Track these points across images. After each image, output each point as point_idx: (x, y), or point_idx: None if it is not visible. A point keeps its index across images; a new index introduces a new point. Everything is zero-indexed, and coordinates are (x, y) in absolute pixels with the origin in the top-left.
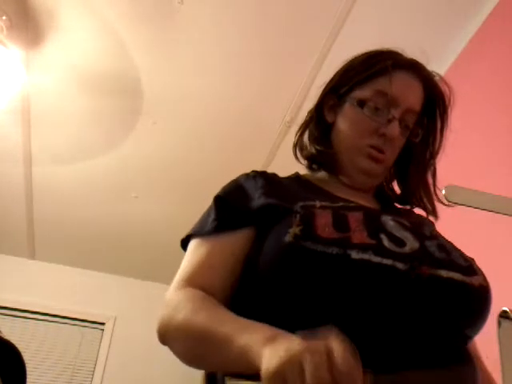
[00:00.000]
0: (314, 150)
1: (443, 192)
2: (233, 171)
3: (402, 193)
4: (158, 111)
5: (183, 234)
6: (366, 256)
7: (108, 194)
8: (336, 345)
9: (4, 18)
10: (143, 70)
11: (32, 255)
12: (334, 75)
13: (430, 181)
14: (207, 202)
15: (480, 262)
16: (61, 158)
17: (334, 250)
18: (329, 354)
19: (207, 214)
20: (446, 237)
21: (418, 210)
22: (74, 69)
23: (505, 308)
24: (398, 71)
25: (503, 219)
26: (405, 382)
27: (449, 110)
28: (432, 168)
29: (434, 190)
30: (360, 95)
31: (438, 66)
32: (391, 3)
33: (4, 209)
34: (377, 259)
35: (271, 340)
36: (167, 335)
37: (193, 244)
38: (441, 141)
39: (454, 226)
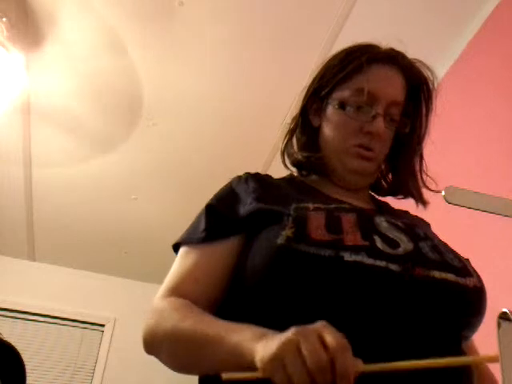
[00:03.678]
0: (300, 157)
1: (443, 193)
2: (233, 172)
3: (392, 183)
4: (158, 112)
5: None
6: (358, 258)
7: (108, 195)
8: (326, 329)
9: (4, 19)
10: (143, 71)
11: (32, 257)
12: (314, 78)
13: (417, 167)
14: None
15: (480, 263)
16: (61, 160)
17: (327, 252)
18: (321, 336)
19: (197, 222)
20: (446, 238)
21: (414, 211)
22: (74, 70)
23: (504, 309)
24: (374, 65)
25: (503, 220)
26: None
27: (433, 95)
28: (419, 154)
29: (421, 176)
30: (340, 96)
31: (439, 65)
32: (391, 4)
33: (4, 210)
34: (370, 261)
35: (261, 337)
36: (154, 344)
37: (181, 252)
38: (426, 125)
39: (454, 227)
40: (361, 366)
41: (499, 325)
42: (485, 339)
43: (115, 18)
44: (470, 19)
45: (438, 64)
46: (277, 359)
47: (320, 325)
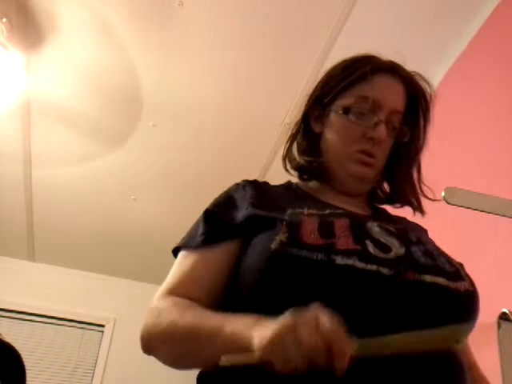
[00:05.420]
0: (302, 162)
1: (443, 194)
2: (233, 173)
3: (390, 192)
4: (158, 113)
5: (182, 237)
6: (350, 261)
7: (107, 196)
8: (321, 312)
9: (4, 20)
10: (143, 72)
11: (32, 257)
12: (316, 86)
13: (416, 176)
14: (206, 204)
15: (480, 264)
16: (61, 160)
17: (319, 256)
18: (318, 321)
19: (196, 227)
20: (446, 239)
21: (412, 218)
22: (74, 71)
23: (504, 310)
24: (378, 75)
25: (502, 221)
26: (385, 347)
27: (430, 107)
28: (417, 164)
29: (420, 186)
30: (344, 103)
31: (437, 68)
32: (390, 8)
33: (4, 211)
34: (361, 265)
35: (256, 324)
36: (152, 341)
37: (180, 256)
38: (424, 137)
39: (454, 228)
40: (356, 346)
41: (499, 325)
42: (485, 339)
43: (115, 18)
44: (471, 19)
45: (438, 64)
46: (275, 343)
47: (315, 308)
